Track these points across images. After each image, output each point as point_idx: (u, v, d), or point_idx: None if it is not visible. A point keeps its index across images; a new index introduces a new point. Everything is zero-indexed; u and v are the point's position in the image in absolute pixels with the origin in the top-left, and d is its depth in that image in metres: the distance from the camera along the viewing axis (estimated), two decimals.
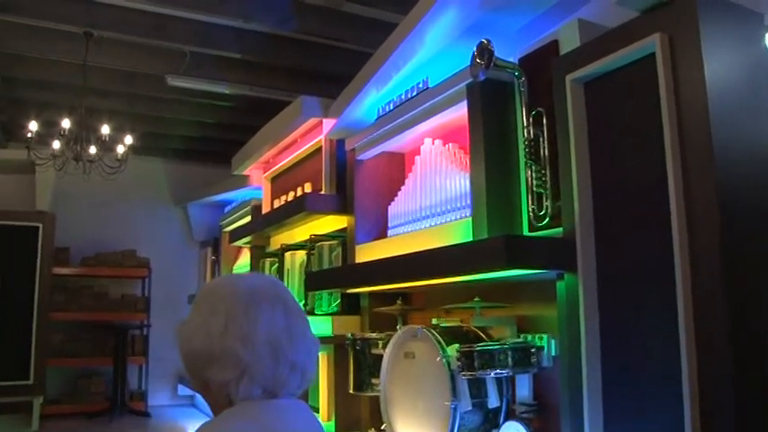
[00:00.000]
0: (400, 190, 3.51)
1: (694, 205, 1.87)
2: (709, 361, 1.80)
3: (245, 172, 6.02)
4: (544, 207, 2.50)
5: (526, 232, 2.60)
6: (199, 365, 1.27)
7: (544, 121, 2.52)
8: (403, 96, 3.39)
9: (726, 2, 2.01)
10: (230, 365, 1.24)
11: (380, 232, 3.75)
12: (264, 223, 5.04)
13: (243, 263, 6.81)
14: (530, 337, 2.60)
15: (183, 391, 8.12)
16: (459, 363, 2.47)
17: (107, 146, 5.61)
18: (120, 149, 5.83)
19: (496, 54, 2.53)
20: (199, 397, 7.73)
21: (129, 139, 5.82)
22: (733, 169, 1.87)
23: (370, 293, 3.71)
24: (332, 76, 5.38)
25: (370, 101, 3.62)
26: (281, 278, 4.76)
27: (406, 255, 2.89)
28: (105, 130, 5.51)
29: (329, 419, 4.05)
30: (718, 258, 1.79)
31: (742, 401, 1.74)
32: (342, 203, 4.07)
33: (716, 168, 1.83)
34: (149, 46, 5.19)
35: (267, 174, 5.55)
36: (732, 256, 1.80)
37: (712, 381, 1.78)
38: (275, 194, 5.39)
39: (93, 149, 5.59)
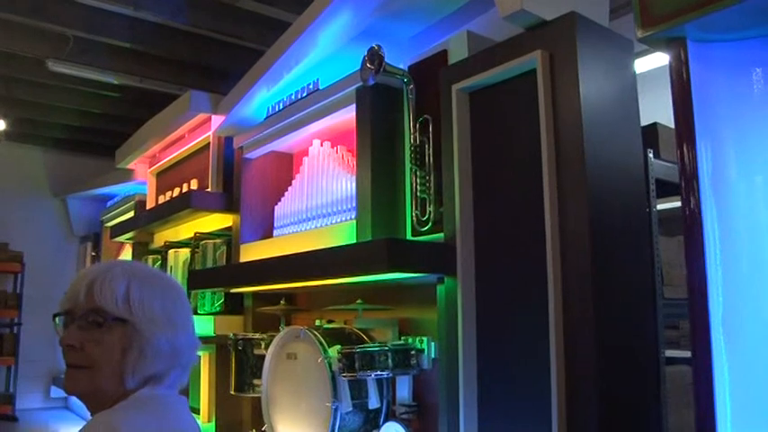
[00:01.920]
0: (287, 190, 3.49)
1: (567, 213, 1.98)
2: (575, 361, 1.90)
3: (130, 166, 5.82)
4: (427, 212, 2.56)
5: (409, 236, 2.65)
6: (170, 359, 1.23)
7: (430, 128, 2.58)
8: (293, 96, 3.38)
9: (601, 27, 2.13)
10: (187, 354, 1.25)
11: (266, 232, 3.72)
12: (148, 219, 4.89)
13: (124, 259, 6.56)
14: (410, 340, 2.64)
15: (57, 393, 7.70)
16: (340, 364, 2.49)
17: None
18: None
19: (387, 60, 2.57)
20: (73, 399, 7.37)
21: (1, 124, 5.47)
22: (603, 182, 1.99)
23: (254, 293, 3.66)
24: (226, 72, 5.27)
25: (260, 99, 3.58)
26: None
27: (291, 255, 2.87)
28: None
29: (209, 421, 3.96)
30: (588, 266, 1.90)
31: (604, 401, 1.85)
32: (228, 202, 4.02)
33: (587, 179, 1.94)
34: (28, 26, 4.88)
35: (153, 168, 5.38)
36: (600, 264, 1.92)
37: (578, 380, 1.89)
38: (160, 190, 5.24)
39: None
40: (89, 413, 1.22)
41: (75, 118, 7.01)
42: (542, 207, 2.02)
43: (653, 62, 3.35)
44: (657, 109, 2.30)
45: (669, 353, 2.27)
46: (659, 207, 2.32)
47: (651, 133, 2.34)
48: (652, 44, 1.72)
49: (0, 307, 7.27)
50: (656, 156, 2.32)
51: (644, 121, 2.22)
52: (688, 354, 1.84)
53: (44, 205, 8.03)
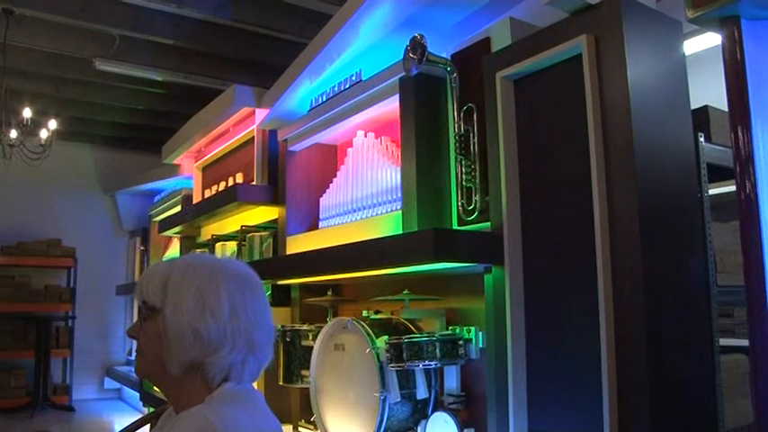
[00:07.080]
0: (332, 182, 3.50)
1: (616, 201, 1.94)
2: (626, 351, 1.87)
3: (177, 161, 5.91)
4: (473, 201, 2.54)
5: (455, 226, 2.64)
6: (197, 348, 1.22)
7: (475, 116, 2.56)
8: (336, 88, 3.38)
9: (648, 8, 2.08)
10: (238, 347, 1.24)
11: (312, 224, 3.74)
12: (195, 213, 4.95)
13: (172, 253, 6.67)
14: (458, 330, 2.62)
15: (110, 384, 7.92)
16: (388, 354, 2.49)
17: (29, 130, 5.40)
18: (44, 134, 5.62)
19: (429, 49, 2.55)
20: (126, 390, 7.56)
21: (53, 124, 5.62)
22: (652, 168, 1.95)
23: (301, 285, 3.69)
24: (269, 66, 5.31)
25: (304, 92, 3.60)
26: None
27: (337, 246, 2.88)
28: (27, 113, 5.30)
29: None
30: (638, 254, 1.86)
31: (656, 391, 1.82)
32: (273, 194, 4.04)
33: (636, 166, 1.90)
34: (76, 27, 5.00)
35: (198, 163, 5.46)
36: (651, 251, 1.88)
37: (629, 370, 1.85)
38: (206, 184, 5.31)
39: (14, 133, 5.37)
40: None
41: (122, 115, 7.17)
42: (590, 194, 1.99)
43: (702, 43, 3.26)
44: (707, 91, 2.24)
45: (723, 341, 2.22)
46: (711, 192, 2.27)
47: (702, 116, 2.28)
48: (704, 24, 1.68)
49: (55, 301, 7.50)
50: (707, 139, 2.26)
51: (694, 104, 2.16)
52: (744, 342, 1.80)
53: (95, 201, 8.25)
